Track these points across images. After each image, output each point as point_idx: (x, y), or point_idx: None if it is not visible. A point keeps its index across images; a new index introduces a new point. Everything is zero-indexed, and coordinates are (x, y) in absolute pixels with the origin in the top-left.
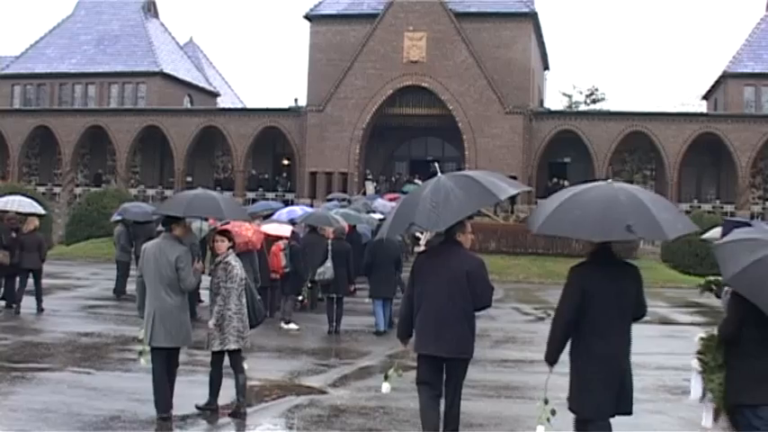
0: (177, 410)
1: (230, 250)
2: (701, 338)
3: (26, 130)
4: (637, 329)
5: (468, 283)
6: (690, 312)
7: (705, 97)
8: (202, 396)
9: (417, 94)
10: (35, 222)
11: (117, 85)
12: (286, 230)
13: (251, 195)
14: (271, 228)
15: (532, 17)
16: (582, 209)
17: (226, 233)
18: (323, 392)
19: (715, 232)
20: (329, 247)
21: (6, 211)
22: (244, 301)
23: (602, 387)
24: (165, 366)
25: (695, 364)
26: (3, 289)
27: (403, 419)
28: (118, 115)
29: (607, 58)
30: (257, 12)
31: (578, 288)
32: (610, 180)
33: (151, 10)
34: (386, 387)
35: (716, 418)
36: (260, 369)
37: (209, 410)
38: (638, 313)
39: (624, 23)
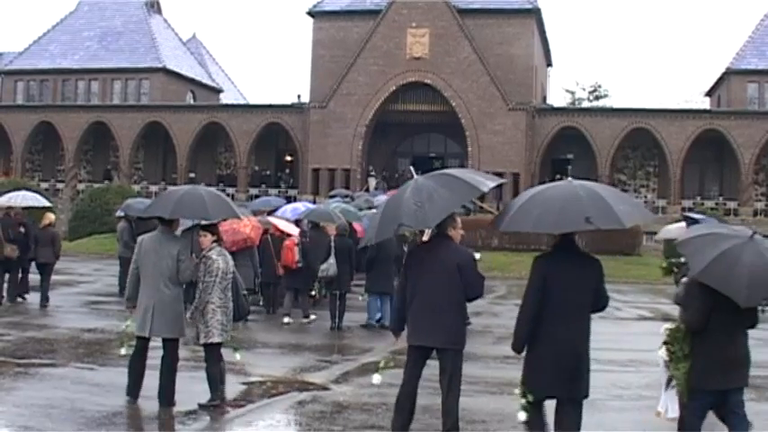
0: (180, 406)
1: (215, 244)
2: (667, 329)
3: (29, 126)
4: (640, 327)
5: (461, 274)
6: None
7: (708, 94)
8: (204, 392)
9: (420, 91)
10: (50, 218)
11: (120, 81)
12: (294, 230)
13: (254, 192)
14: (281, 224)
15: (535, 13)
16: (543, 205)
17: (209, 228)
18: (325, 389)
19: (666, 231)
20: (332, 244)
21: (12, 207)
22: (229, 295)
23: (556, 370)
24: (144, 355)
25: (662, 353)
26: (7, 284)
27: None
28: (121, 111)
29: (610, 55)
30: (260, 8)
31: (540, 275)
32: (570, 179)
33: (154, 6)
34: (377, 378)
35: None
36: (263, 365)
37: (213, 407)
38: (599, 304)
39: (627, 20)
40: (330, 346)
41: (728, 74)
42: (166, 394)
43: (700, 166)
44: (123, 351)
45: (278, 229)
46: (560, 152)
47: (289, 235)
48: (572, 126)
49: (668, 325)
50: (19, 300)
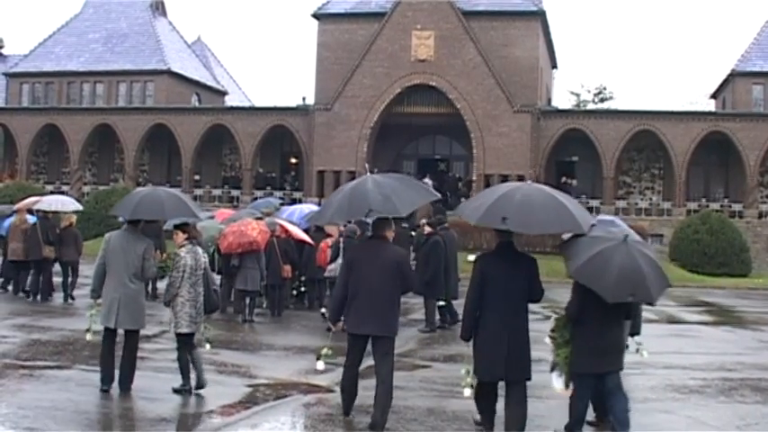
0: (184, 409)
1: (186, 242)
2: (555, 318)
3: (34, 128)
4: (645, 329)
5: (399, 271)
6: (698, 311)
7: (713, 96)
8: (206, 392)
9: (425, 93)
10: (72, 219)
11: (125, 83)
12: (302, 234)
13: (259, 194)
14: (290, 227)
15: (540, 16)
16: (480, 199)
17: (182, 227)
18: (330, 391)
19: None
20: (340, 246)
21: (42, 210)
22: (200, 289)
23: (490, 354)
24: (112, 346)
25: (548, 340)
26: (16, 280)
27: (411, 418)
28: (126, 114)
29: (615, 57)
30: (265, 10)
31: (479, 271)
32: (530, 181)
33: (159, 8)
34: (320, 365)
35: (567, 385)
36: (268, 367)
37: (184, 391)
38: (534, 296)
39: (632, 22)
40: (335, 349)
41: (733, 76)
42: (126, 381)
43: (705, 169)
44: (89, 337)
45: (285, 231)
46: (565, 154)
47: (293, 238)
48: (577, 128)
49: (555, 315)
50: (29, 298)
